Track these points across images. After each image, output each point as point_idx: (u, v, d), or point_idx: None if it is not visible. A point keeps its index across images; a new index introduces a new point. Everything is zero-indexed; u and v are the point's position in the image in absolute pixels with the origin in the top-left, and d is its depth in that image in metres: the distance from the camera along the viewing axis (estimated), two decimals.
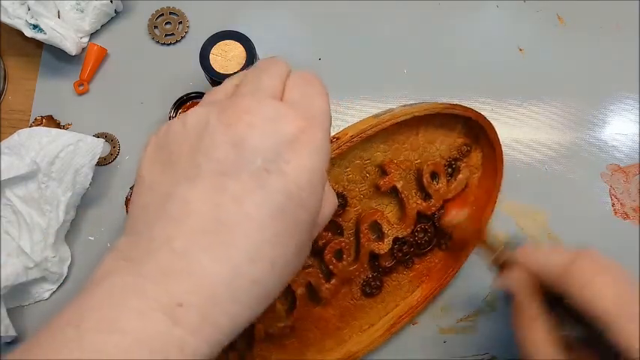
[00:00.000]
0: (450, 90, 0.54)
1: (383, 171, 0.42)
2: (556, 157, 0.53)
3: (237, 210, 0.21)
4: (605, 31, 0.56)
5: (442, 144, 0.45)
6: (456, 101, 0.54)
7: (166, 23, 0.55)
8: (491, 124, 0.44)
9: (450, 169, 0.45)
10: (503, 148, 0.46)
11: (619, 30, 0.56)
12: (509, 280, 0.37)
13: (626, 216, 0.51)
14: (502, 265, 0.38)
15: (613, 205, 0.52)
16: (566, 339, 0.33)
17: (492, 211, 0.47)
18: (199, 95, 0.52)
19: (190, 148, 0.23)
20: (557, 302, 0.33)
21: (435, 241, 0.46)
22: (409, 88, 0.54)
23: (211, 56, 0.47)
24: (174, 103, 0.51)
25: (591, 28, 0.56)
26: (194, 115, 0.24)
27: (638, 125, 0.54)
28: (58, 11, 0.52)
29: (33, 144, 0.47)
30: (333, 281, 0.42)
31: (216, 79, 0.47)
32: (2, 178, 0.45)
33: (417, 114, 0.40)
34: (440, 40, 0.56)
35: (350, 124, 0.41)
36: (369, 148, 0.41)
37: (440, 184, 0.44)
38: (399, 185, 0.42)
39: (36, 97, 0.53)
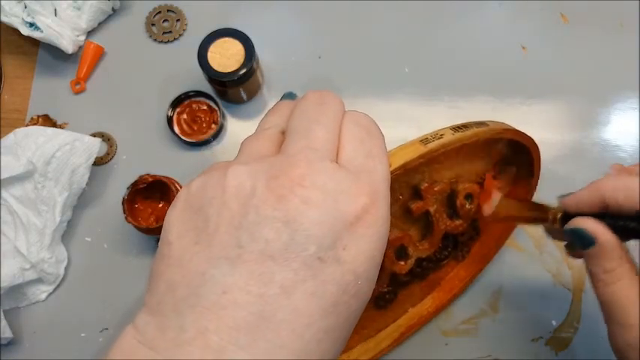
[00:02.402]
0: (451, 89, 0.53)
1: (417, 194, 0.39)
2: (559, 156, 0.52)
3: (285, 303, 0.18)
4: (609, 30, 0.55)
5: (481, 160, 0.42)
6: (457, 99, 0.54)
7: (164, 21, 0.54)
8: (536, 145, 0.41)
9: (482, 187, 0.43)
10: None
11: (622, 29, 0.55)
12: (587, 222, 0.30)
13: None
14: (563, 220, 0.33)
15: None
16: None
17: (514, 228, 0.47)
18: (198, 94, 0.51)
19: (231, 220, 0.19)
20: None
21: (452, 254, 0.45)
22: (410, 87, 0.53)
23: (209, 54, 0.46)
24: (172, 102, 0.50)
25: (595, 27, 0.55)
26: (235, 176, 0.20)
27: None
28: (55, 9, 0.51)
29: (29, 143, 0.46)
30: None
31: (214, 77, 0.46)
32: None
33: (466, 142, 0.36)
34: (441, 39, 0.55)
35: None
36: (410, 172, 0.37)
37: (472, 205, 0.41)
38: (432, 210, 0.40)
39: (32, 96, 0.53)
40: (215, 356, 0.18)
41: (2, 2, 0.50)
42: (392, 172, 0.33)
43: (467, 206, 0.41)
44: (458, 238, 0.44)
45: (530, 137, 0.41)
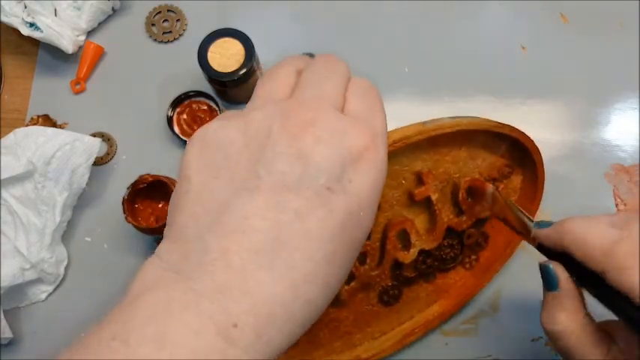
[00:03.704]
0: (451, 89, 0.53)
1: (420, 180, 0.41)
2: (559, 156, 0.52)
3: (299, 228, 0.21)
4: (609, 29, 0.55)
5: (484, 162, 0.43)
6: (457, 99, 0.54)
7: (164, 21, 0.54)
8: (537, 147, 0.43)
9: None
10: None
11: (622, 29, 0.55)
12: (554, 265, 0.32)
13: None
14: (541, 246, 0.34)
15: (617, 205, 0.51)
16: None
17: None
18: (198, 94, 0.51)
19: (250, 157, 0.22)
20: (596, 283, 0.30)
21: (460, 259, 0.45)
22: (410, 87, 0.53)
23: (209, 54, 0.46)
24: (172, 102, 0.50)
25: (595, 27, 0.55)
26: (254, 121, 0.23)
27: None
28: (55, 9, 0.51)
29: (29, 144, 0.46)
30: (352, 284, 0.42)
31: (214, 77, 0.46)
32: None
33: (464, 127, 0.39)
34: (441, 38, 0.55)
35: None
36: (410, 154, 0.40)
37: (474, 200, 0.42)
38: (433, 197, 0.41)
39: (32, 96, 0.53)
40: (237, 275, 0.20)
41: (2, 2, 0.49)
42: (393, 144, 0.36)
43: (470, 202, 0.42)
44: (464, 239, 0.44)
45: (528, 137, 0.41)
